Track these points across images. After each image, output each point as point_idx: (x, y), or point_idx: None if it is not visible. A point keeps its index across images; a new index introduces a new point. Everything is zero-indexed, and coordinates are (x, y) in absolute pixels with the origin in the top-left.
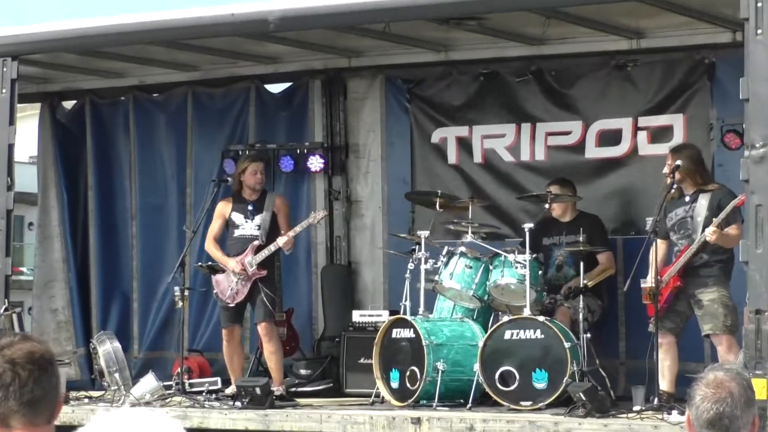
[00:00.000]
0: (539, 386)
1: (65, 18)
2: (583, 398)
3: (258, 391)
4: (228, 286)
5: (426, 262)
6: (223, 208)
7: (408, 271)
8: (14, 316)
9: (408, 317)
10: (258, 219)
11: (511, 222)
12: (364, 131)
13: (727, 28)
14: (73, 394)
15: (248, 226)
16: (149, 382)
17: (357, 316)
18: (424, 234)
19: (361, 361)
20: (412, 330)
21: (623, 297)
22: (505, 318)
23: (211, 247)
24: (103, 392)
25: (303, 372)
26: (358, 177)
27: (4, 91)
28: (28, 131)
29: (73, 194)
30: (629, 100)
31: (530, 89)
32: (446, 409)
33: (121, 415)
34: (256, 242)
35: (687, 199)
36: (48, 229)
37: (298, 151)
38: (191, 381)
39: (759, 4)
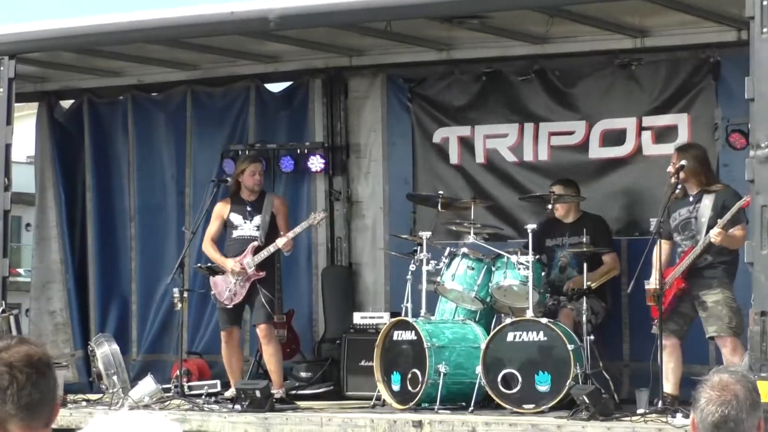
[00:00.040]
0: (542, 389)
1: (63, 16)
2: (587, 401)
3: (258, 393)
4: (226, 287)
5: (428, 263)
6: (222, 209)
7: (409, 273)
8: (11, 319)
9: (409, 319)
10: (257, 220)
11: (514, 223)
12: (365, 131)
13: (732, 26)
14: (70, 397)
15: (247, 227)
16: (148, 385)
17: (358, 318)
18: (425, 235)
19: (362, 363)
20: (413, 332)
21: (627, 299)
22: (508, 320)
23: (208, 248)
24: (101, 395)
25: (303, 374)
26: (359, 177)
27: (1, 90)
28: (25, 131)
29: (70, 195)
30: (633, 100)
31: (533, 88)
32: (448, 412)
33: (120, 419)
34: (255, 243)
35: (691, 199)
36: (45, 230)
37: (299, 151)
38: (190, 384)
39: (765, 3)
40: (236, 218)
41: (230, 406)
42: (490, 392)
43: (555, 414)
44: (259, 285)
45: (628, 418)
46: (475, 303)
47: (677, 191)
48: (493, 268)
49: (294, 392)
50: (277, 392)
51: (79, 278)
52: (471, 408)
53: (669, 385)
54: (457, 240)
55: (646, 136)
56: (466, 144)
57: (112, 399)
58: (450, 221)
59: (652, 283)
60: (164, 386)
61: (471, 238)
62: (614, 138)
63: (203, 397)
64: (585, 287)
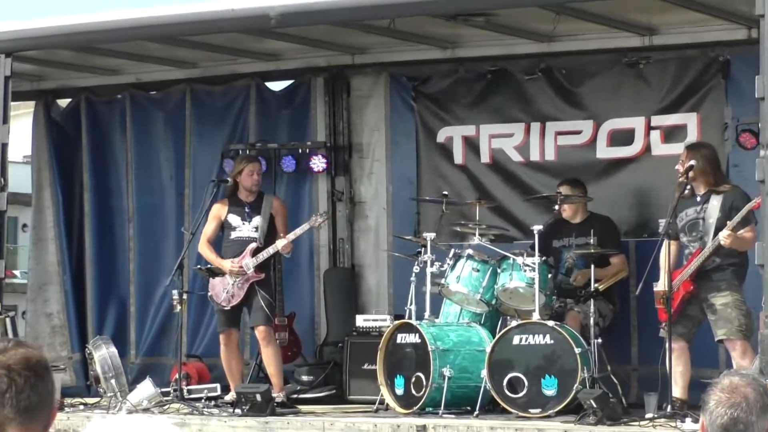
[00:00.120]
0: (548, 393)
1: (60, 13)
2: (594, 405)
3: (258, 397)
4: (223, 288)
5: (432, 264)
6: (219, 210)
7: (413, 274)
8: (8, 321)
9: (413, 322)
10: (255, 221)
11: (520, 224)
12: (368, 130)
13: (742, 24)
14: (68, 400)
15: (245, 228)
16: (146, 388)
17: (361, 320)
18: (429, 236)
19: (365, 367)
20: (417, 335)
21: (635, 301)
22: (514, 323)
23: (204, 249)
24: (99, 399)
25: (305, 378)
26: (361, 177)
27: None
28: (22, 130)
29: (68, 195)
30: (642, 99)
31: (539, 87)
32: (452, 416)
33: (118, 423)
34: (254, 244)
35: (698, 199)
36: (42, 230)
37: (300, 150)
38: (190, 387)
39: None
40: (234, 219)
41: (230, 410)
42: (495, 396)
43: (562, 419)
44: (257, 287)
45: (637, 423)
46: (481, 305)
47: (686, 191)
48: (499, 270)
49: (295, 396)
50: (278, 395)
51: (76, 280)
52: (476, 412)
53: (678, 389)
54: (461, 241)
55: (655, 135)
56: (471, 144)
57: (110, 403)
58: (455, 222)
59: (660, 285)
60: (163, 390)
61: (476, 240)
62: (622, 137)
63: (203, 401)
64: (593, 289)
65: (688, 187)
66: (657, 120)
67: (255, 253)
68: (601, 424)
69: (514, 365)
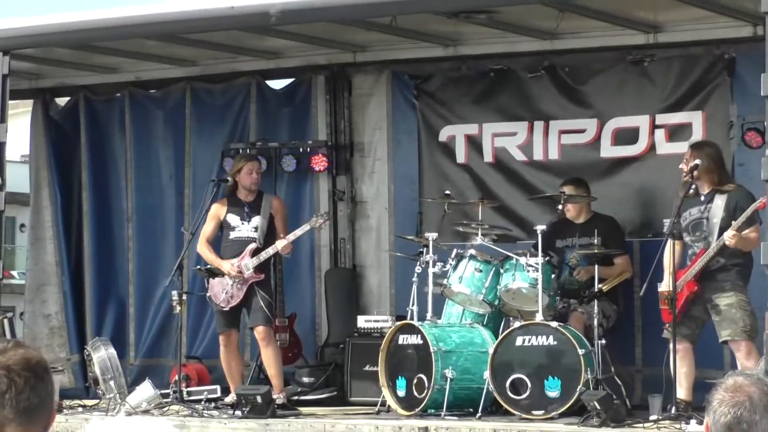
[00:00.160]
0: (552, 395)
1: (59, 11)
2: (598, 407)
3: (259, 399)
4: (222, 289)
5: (434, 265)
6: (218, 210)
7: (415, 275)
8: (5, 322)
9: (415, 323)
10: (255, 221)
11: (523, 224)
12: (369, 129)
13: (747, 21)
14: (66, 402)
15: (245, 228)
16: (146, 390)
17: (362, 321)
18: (432, 236)
19: (367, 368)
20: (419, 336)
21: (640, 301)
22: (517, 324)
23: (203, 249)
24: (97, 401)
25: (306, 380)
26: (363, 176)
27: None
28: (19, 129)
29: (66, 194)
30: (646, 97)
31: (543, 85)
32: (455, 418)
33: (117, 424)
34: (253, 245)
35: (702, 198)
36: (40, 230)
37: (301, 149)
38: (189, 389)
39: None
40: (233, 219)
41: (230, 412)
42: (498, 398)
43: (565, 420)
44: (256, 287)
45: (641, 425)
46: (483, 306)
47: (690, 191)
48: (502, 270)
49: (296, 398)
50: (278, 397)
51: (74, 280)
52: (479, 414)
53: (682, 391)
54: (464, 241)
55: (660, 134)
56: (474, 142)
57: (109, 405)
58: (457, 222)
59: (664, 286)
60: (162, 392)
61: (479, 240)
62: (627, 136)
63: (203, 402)
64: (596, 290)
65: (693, 186)
66: (662, 118)
67: (254, 253)
68: (605, 426)
69: (516, 366)
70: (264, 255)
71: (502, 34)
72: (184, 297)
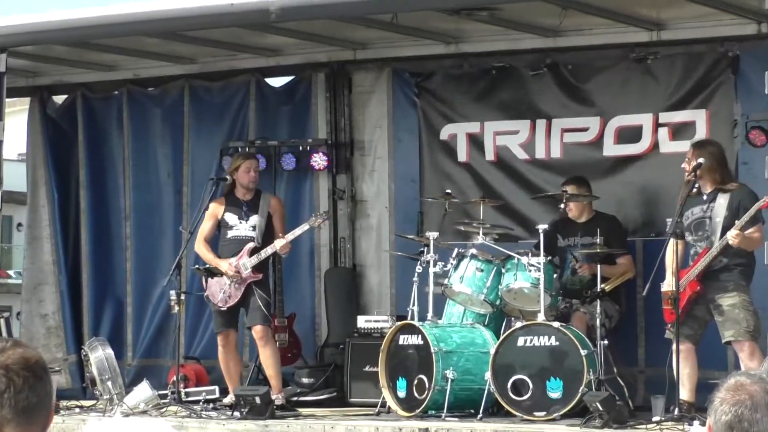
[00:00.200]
0: (554, 396)
1: (56, 8)
2: (600, 408)
3: (258, 400)
4: (220, 288)
5: (435, 264)
6: (216, 209)
7: (416, 275)
8: (2, 322)
9: (416, 323)
10: (253, 220)
11: (525, 223)
12: (369, 127)
13: (751, 19)
14: (63, 403)
15: (243, 227)
16: (143, 390)
17: (362, 321)
18: (433, 235)
19: (367, 369)
20: (420, 336)
21: (642, 301)
22: (518, 324)
23: (201, 248)
24: (95, 401)
25: (305, 380)
26: (363, 175)
27: None
28: (16, 127)
29: (63, 193)
30: (649, 95)
31: (545, 83)
32: (456, 419)
33: (114, 424)
34: (252, 244)
35: (705, 197)
36: (37, 229)
37: (301, 148)
38: (187, 390)
39: None
40: (231, 218)
41: (229, 413)
42: (499, 399)
43: (567, 422)
44: (254, 286)
45: (644, 426)
46: (484, 306)
47: (693, 190)
48: (503, 270)
49: (296, 399)
50: (277, 397)
51: (72, 280)
52: (480, 415)
53: (685, 392)
54: (465, 240)
55: (663, 132)
56: (475, 141)
57: (107, 405)
58: (458, 221)
59: (666, 286)
60: (160, 392)
61: (480, 239)
62: (630, 135)
63: (201, 403)
64: (599, 289)
65: (696, 185)
66: (665, 117)
67: (252, 252)
68: (608, 428)
69: (518, 367)
70: (262, 254)
71: (504, 31)
72: (183, 297)
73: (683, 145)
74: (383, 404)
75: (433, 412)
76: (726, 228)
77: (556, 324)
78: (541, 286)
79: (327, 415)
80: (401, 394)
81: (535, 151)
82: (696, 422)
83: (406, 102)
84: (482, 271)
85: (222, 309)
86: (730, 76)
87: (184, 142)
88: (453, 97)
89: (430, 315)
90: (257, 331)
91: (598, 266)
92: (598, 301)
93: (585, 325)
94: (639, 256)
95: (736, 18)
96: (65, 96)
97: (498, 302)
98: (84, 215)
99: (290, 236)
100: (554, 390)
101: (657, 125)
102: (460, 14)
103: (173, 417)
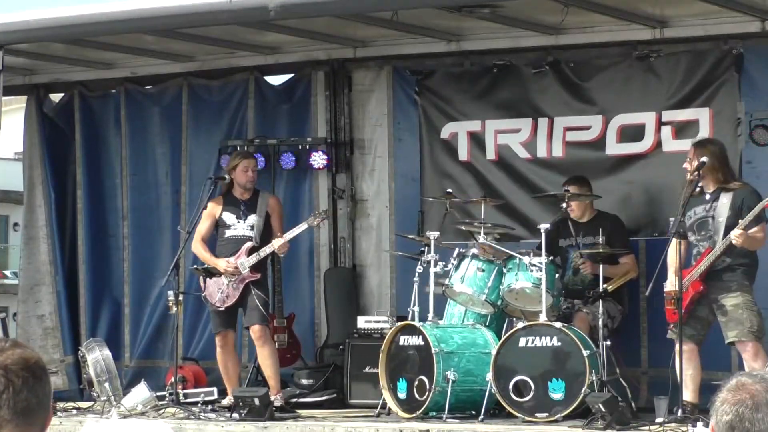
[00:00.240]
0: (556, 397)
1: (53, 5)
2: (603, 410)
3: (256, 401)
4: (218, 288)
5: (436, 264)
6: (213, 209)
7: (416, 275)
8: None
9: (416, 323)
10: (251, 219)
11: (526, 222)
12: (370, 126)
13: (755, 16)
14: (60, 404)
15: (240, 227)
16: (141, 392)
17: (362, 322)
18: (433, 235)
19: (367, 370)
20: (420, 337)
21: (645, 302)
22: (520, 324)
23: (198, 248)
24: (92, 403)
25: (305, 381)
26: (363, 174)
27: None
28: (13, 126)
29: (60, 193)
30: (652, 93)
31: (547, 82)
32: (457, 421)
33: (112, 425)
34: (250, 243)
35: (707, 197)
36: (34, 229)
37: (300, 146)
38: (186, 391)
39: None
40: (229, 217)
41: (227, 414)
42: (501, 400)
43: (569, 423)
44: (252, 286)
45: (647, 428)
46: (486, 306)
47: (696, 189)
48: (505, 270)
49: (295, 400)
50: (275, 398)
51: (69, 280)
52: (481, 417)
53: (688, 393)
54: (466, 240)
55: (666, 131)
56: (476, 140)
57: (104, 407)
58: (459, 221)
59: (669, 286)
60: (158, 394)
61: (481, 239)
62: (632, 133)
63: (199, 405)
64: (601, 289)
65: (699, 184)
66: (668, 115)
67: (250, 252)
68: (610, 429)
69: (520, 368)
70: (261, 253)
71: (506, 28)
72: (181, 297)
73: (686, 144)
74: (383, 405)
75: (434, 413)
76: (729, 227)
77: (558, 324)
78: (543, 287)
79: (327, 417)
80: (402, 395)
81: (536, 149)
82: (699, 423)
83: (406, 100)
84: (483, 271)
85: (220, 309)
86: (734, 74)
87: (182, 141)
88: (454, 96)
89: (430, 315)
90: (255, 330)
91: (601, 266)
92: (601, 301)
93: (587, 325)
94: (642, 255)
95: (739, 15)
96: (62, 94)
97: (499, 302)
98: (81, 215)
99: (289, 235)
100: (556, 391)
101: (660, 124)
102: (461, 11)
103: (171, 418)
